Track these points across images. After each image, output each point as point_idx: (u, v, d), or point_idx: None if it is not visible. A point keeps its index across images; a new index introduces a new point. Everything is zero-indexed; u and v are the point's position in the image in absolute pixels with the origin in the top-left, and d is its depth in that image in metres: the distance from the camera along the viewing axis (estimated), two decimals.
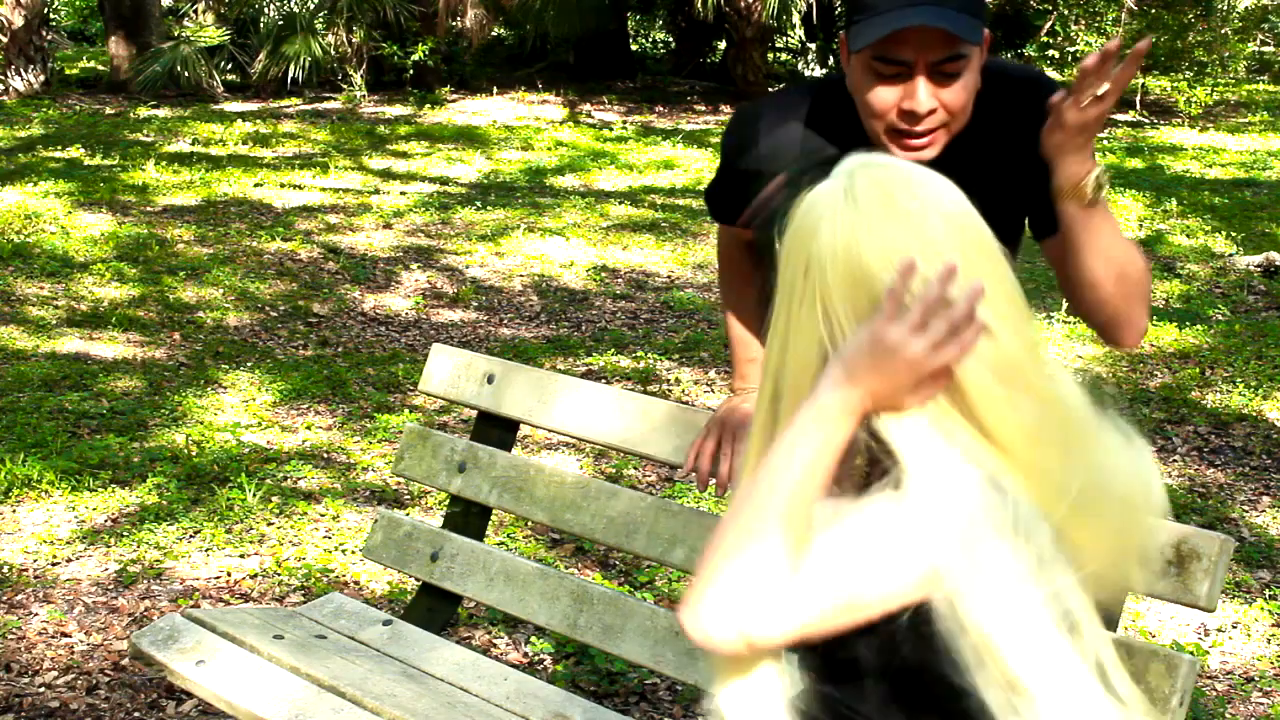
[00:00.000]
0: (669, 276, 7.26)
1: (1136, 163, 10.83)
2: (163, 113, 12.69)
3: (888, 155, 1.30)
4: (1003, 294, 1.27)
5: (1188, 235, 8.07)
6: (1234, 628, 3.48)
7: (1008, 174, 1.88)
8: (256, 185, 9.16)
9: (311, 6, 14.55)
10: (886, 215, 1.25)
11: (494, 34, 16.32)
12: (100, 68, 15.77)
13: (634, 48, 18.54)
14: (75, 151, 10.20)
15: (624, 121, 13.49)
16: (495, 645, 3.32)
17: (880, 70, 1.77)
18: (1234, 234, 8.01)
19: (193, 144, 10.93)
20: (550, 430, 2.50)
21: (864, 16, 1.77)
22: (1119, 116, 13.84)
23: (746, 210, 2.03)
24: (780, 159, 1.94)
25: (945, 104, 1.79)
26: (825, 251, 1.26)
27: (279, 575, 3.65)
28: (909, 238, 1.24)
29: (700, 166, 10.82)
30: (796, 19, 15.02)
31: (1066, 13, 14.82)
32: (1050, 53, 15.14)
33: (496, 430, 2.60)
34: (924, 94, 1.77)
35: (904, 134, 1.81)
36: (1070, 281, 1.88)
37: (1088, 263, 1.85)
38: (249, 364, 5.62)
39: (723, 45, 16.91)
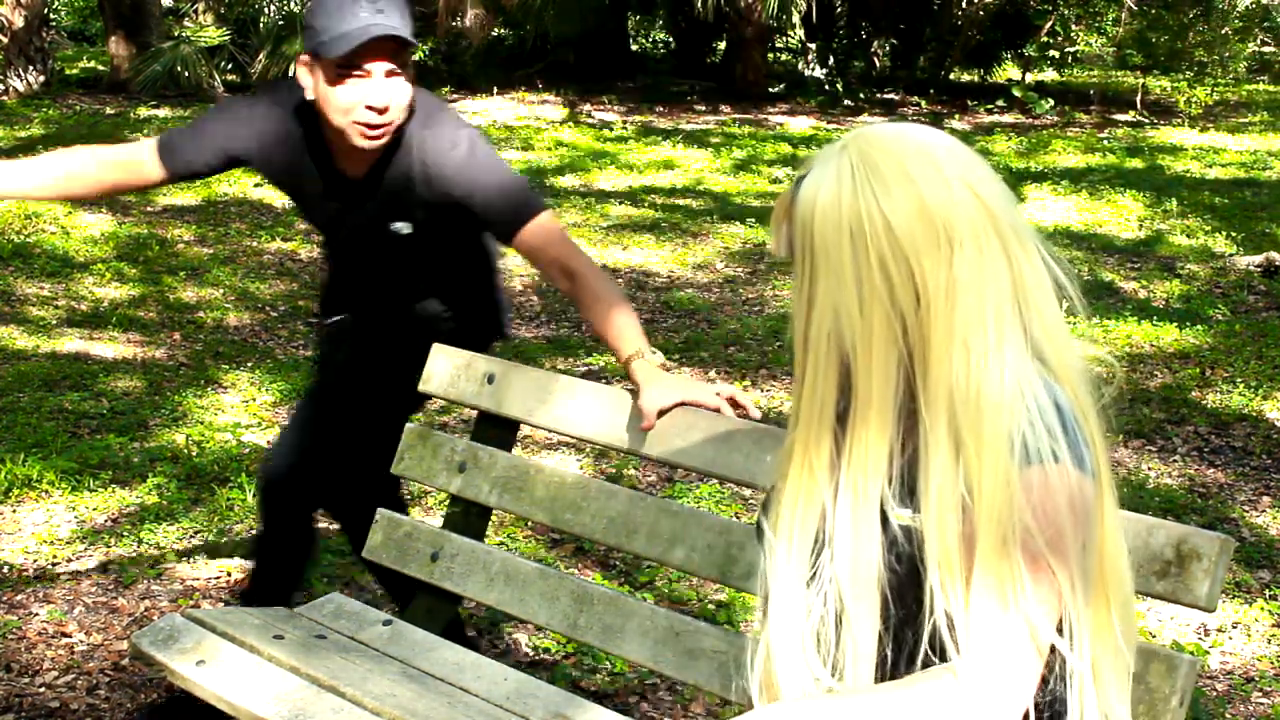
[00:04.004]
0: (669, 276, 7.26)
1: (1136, 163, 10.83)
2: (163, 113, 12.69)
3: (883, 125, 1.42)
4: (1024, 228, 1.37)
5: (1188, 235, 8.07)
6: (1234, 628, 3.48)
7: (418, 193, 2.52)
8: (256, 185, 9.16)
9: None
10: (907, 177, 1.33)
11: (494, 34, 16.31)
12: (100, 68, 15.77)
13: (634, 48, 18.54)
14: None
15: (624, 121, 13.49)
16: (495, 645, 3.32)
17: (347, 75, 2.34)
18: (1234, 234, 8.01)
19: None
20: (550, 430, 2.50)
21: (329, 35, 2.33)
22: (1119, 116, 13.84)
23: (188, 163, 2.56)
24: (255, 148, 2.55)
25: (395, 102, 2.39)
26: (862, 218, 1.33)
27: None
28: (934, 191, 1.33)
29: (700, 166, 10.82)
30: (796, 19, 15.02)
31: (1066, 13, 14.81)
32: (1050, 53, 15.14)
33: (496, 430, 2.60)
34: (384, 92, 2.36)
35: (367, 125, 2.37)
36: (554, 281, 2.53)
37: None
38: (249, 364, 5.62)
39: (723, 45, 16.91)
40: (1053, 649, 1.33)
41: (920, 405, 1.34)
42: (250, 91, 2.73)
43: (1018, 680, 1.30)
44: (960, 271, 1.31)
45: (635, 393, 2.30)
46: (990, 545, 1.28)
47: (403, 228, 2.59)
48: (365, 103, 2.35)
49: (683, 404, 2.26)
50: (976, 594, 1.30)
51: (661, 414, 2.25)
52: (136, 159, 2.58)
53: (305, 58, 2.41)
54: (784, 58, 17.86)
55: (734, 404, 2.27)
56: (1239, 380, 5.35)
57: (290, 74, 2.61)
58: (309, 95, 2.42)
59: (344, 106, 2.36)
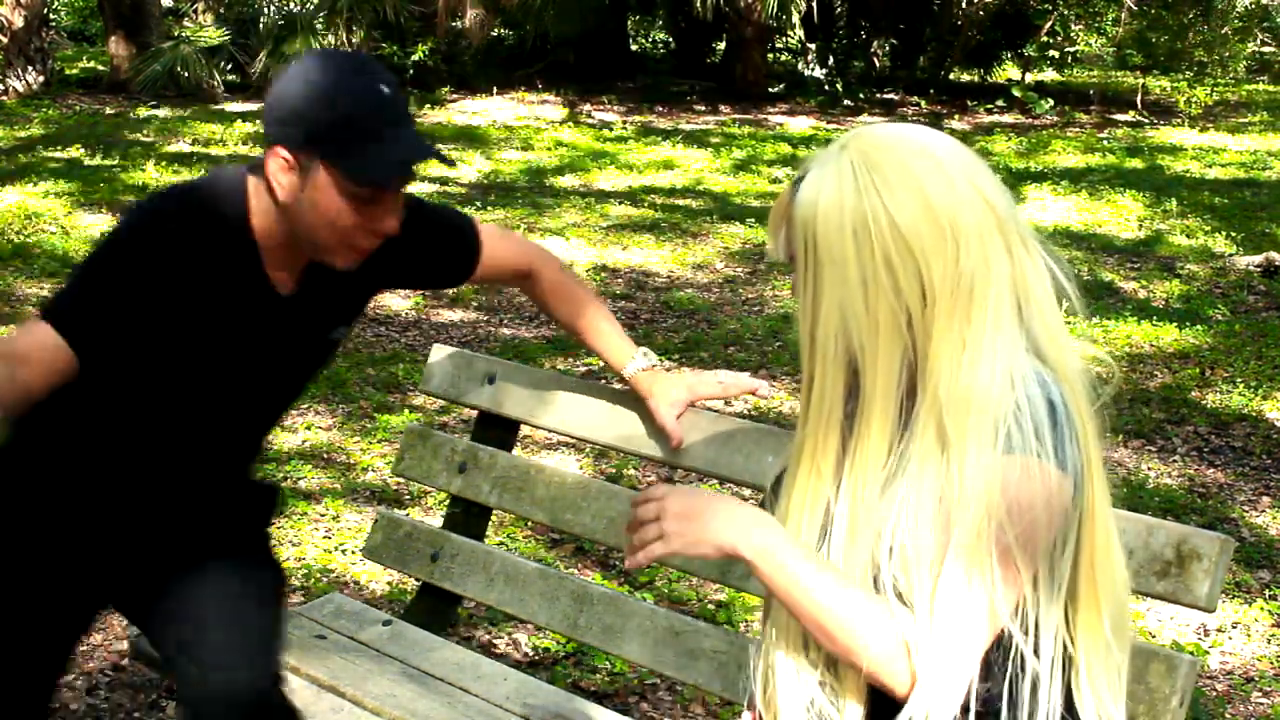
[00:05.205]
0: (669, 276, 7.26)
1: (1136, 163, 10.83)
2: (163, 113, 12.70)
3: (881, 126, 1.40)
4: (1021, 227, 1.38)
5: (1188, 235, 8.07)
6: (1234, 628, 3.48)
7: (365, 277, 2.02)
8: None
9: (311, 6, 14.55)
10: (911, 176, 1.34)
11: (494, 34, 16.32)
12: (100, 68, 15.78)
13: (634, 48, 18.55)
14: (75, 151, 10.20)
15: (624, 121, 13.49)
16: (495, 645, 3.32)
17: (360, 194, 1.79)
18: (1234, 234, 8.01)
19: (193, 144, 10.93)
20: (550, 430, 2.50)
21: (357, 151, 1.77)
22: (1119, 116, 13.84)
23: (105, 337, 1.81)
24: (173, 287, 1.84)
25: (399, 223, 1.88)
26: (867, 218, 1.33)
27: None
28: (939, 189, 1.33)
29: (700, 166, 10.83)
30: (796, 19, 15.03)
31: (1066, 13, 14.82)
32: (1050, 53, 15.14)
33: (496, 430, 2.60)
34: (396, 216, 1.85)
35: (359, 252, 1.87)
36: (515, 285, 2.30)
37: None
38: None
39: (722, 45, 16.91)
40: (1017, 649, 1.33)
41: (916, 397, 1.35)
42: (142, 202, 1.91)
43: (962, 646, 1.31)
44: (965, 267, 1.32)
45: (643, 403, 2.25)
46: (966, 535, 1.29)
47: (341, 331, 2.09)
48: (374, 228, 1.84)
49: (692, 404, 2.24)
50: (946, 578, 1.30)
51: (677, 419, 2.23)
52: (45, 354, 1.77)
53: (288, 156, 1.79)
54: (784, 58, 17.86)
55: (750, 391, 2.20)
56: (1239, 380, 5.35)
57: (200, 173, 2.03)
58: (282, 197, 1.82)
59: (346, 229, 1.82)
